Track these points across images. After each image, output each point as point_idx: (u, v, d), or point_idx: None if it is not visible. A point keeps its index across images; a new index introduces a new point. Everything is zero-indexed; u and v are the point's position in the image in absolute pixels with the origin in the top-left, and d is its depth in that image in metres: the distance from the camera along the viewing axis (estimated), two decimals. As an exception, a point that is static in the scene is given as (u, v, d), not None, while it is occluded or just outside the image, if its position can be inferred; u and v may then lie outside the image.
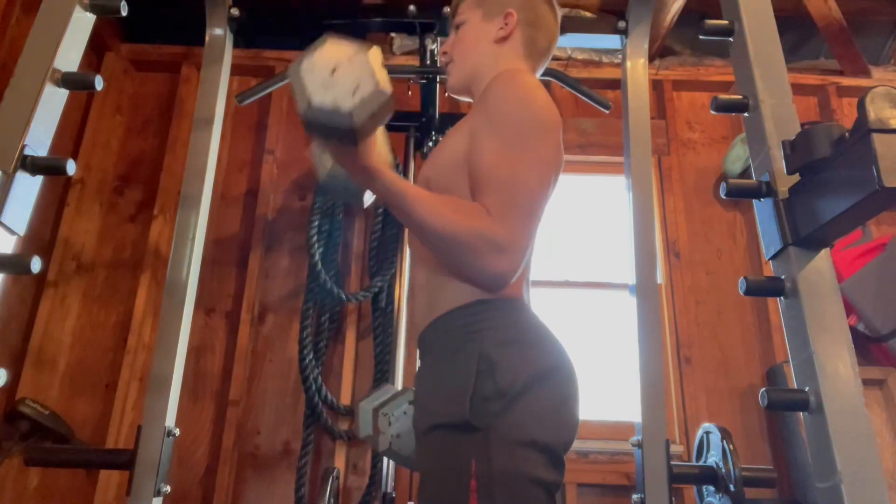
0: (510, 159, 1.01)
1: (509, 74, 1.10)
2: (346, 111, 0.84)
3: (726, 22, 1.10)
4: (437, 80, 2.12)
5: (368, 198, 1.11)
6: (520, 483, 0.90)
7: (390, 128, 2.27)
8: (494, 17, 1.25)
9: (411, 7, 1.99)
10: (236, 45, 1.83)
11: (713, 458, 1.55)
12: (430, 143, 2.23)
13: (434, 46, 2.13)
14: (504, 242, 0.96)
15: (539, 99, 1.08)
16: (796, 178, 0.88)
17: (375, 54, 0.88)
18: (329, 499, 1.76)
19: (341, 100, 0.84)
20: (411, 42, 2.71)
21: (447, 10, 1.90)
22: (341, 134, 0.86)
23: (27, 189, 0.92)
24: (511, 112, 1.05)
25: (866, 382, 2.17)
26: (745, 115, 1.02)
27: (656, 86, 2.76)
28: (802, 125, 0.93)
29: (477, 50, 1.24)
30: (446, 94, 1.35)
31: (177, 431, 1.46)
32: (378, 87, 0.85)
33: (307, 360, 2.18)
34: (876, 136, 0.71)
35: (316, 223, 2.29)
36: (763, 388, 0.84)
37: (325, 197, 2.30)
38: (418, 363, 1.17)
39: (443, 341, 1.03)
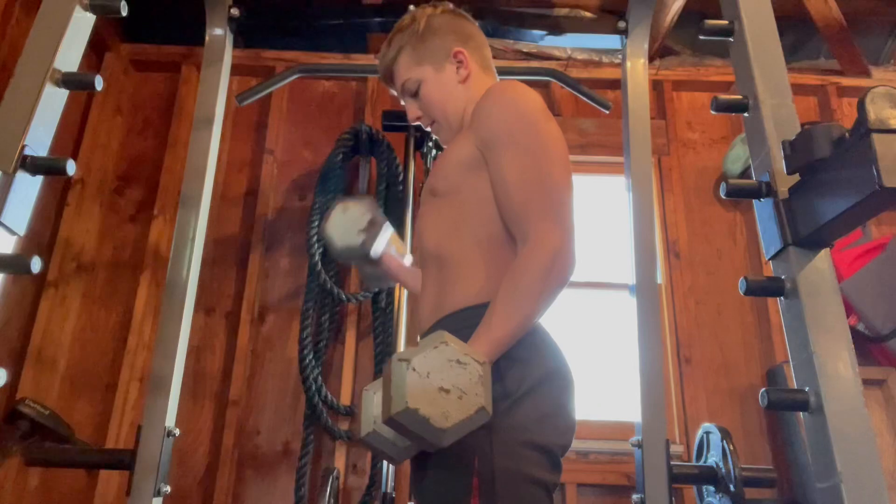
0: (532, 169, 1.05)
1: (500, 88, 1.14)
2: (440, 428, 0.84)
3: (726, 22, 1.10)
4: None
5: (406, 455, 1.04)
6: (521, 482, 0.92)
7: (390, 128, 2.29)
8: (444, 63, 1.27)
9: (411, 7, 1.99)
10: (236, 45, 1.83)
11: (713, 458, 1.55)
12: (430, 143, 2.23)
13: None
14: (561, 245, 0.99)
15: (534, 103, 1.11)
16: (796, 178, 0.88)
17: (486, 370, 0.87)
18: (329, 499, 1.76)
19: (440, 421, 0.83)
20: (411, 42, 2.71)
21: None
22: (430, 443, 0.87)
23: (27, 189, 0.92)
24: (515, 124, 1.08)
25: (866, 382, 2.17)
26: (745, 115, 1.02)
27: (656, 86, 2.76)
28: (802, 125, 0.93)
29: (452, 101, 1.26)
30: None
31: (177, 431, 1.46)
32: (483, 409, 0.85)
33: (307, 360, 2.18)
34: (876, 136, 0.71)
35: (316, 223, 2.29)
36: (763, 388, 0.84)
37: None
38: None
39: None
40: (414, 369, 0.84)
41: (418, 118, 1.30)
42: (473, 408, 0.84)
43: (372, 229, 1.34)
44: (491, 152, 1.09)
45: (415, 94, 1.28)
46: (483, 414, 0.85)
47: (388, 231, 1.39)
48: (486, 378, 0.86)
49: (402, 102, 1.33)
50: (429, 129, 1.31)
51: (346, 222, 1.35)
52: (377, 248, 1.36)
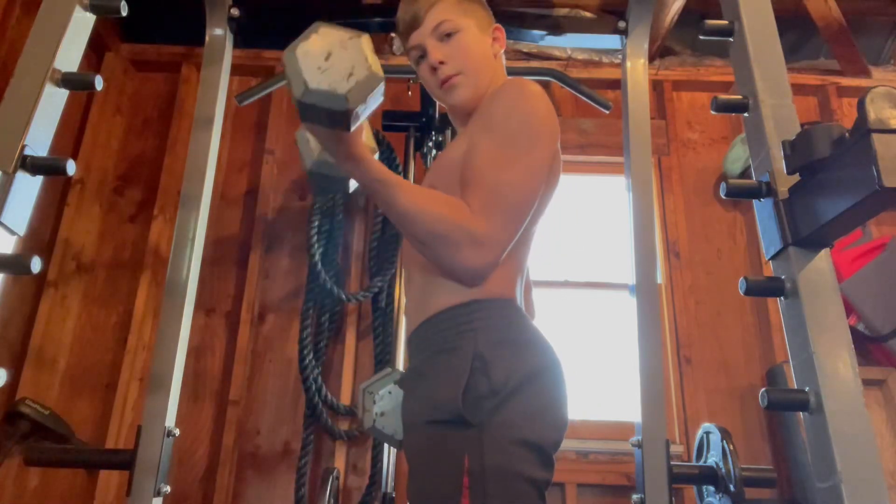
0: (501, 159, 1.02)
1: (517, 83, 1.10)
2: (342, 94, 0.86)
3: (726, 22, 1.10)
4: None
5: (353, 185, 1.09)
6: (512, 480, 0.91)
7: (390, 128, 2.29)
8: (486, 30, 1.21)
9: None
10: (236, 45, 1.83)
11: (713, 458, 1.55)
12: (430, 143, 2.23)
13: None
14: (482, 237, 0.97)
15: (541, 109, 1.08)
16: (796, 178, 0.88)
17: (367, 41, 0.91)
18: (329, 499, 1.76)
19: (337, 83, 0.86)
20: (411, 42, 2.71)
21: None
22: (335, 117, 0.89)
23: (27, 189, 0.92)
24: (511, 116, 1.06)
25: (866, 382, 2.17)
26: (745, 115, 1.02)
27: (656, 86, 2.76)
28: (802, 125, 0.93)
29: (487, 66, 1.19)
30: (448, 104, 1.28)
31: (177, 431, 1.46)
32: (371, 71, 0.88)
33: (307, 360, 2.18)
34: (876, 136, 0.71)
35: (316, 223, 2.29)
36: (763, 388, 0.84)
37: (318, 191, 2.13)
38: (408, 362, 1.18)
39: (437, 339, 1.04)
40: (298, 53, 0.88)
41: (442, 62, 1.15)
42: (364, 72, 0.87)
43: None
44: (476, 135, 1.06)
45: (444, 38, 1.16)
46: (377, 78, 0.88)
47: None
48: (367, 47, 0.90)
49: (422, 43, 1.17)
50: (444, 81, 1.16)
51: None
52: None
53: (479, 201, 0.99)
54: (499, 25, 1.24)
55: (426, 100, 2.20)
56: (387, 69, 1.01)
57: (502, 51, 1.25)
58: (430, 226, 0.98)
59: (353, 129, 0.92)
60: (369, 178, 0.99)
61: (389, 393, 1.15)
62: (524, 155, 1.03)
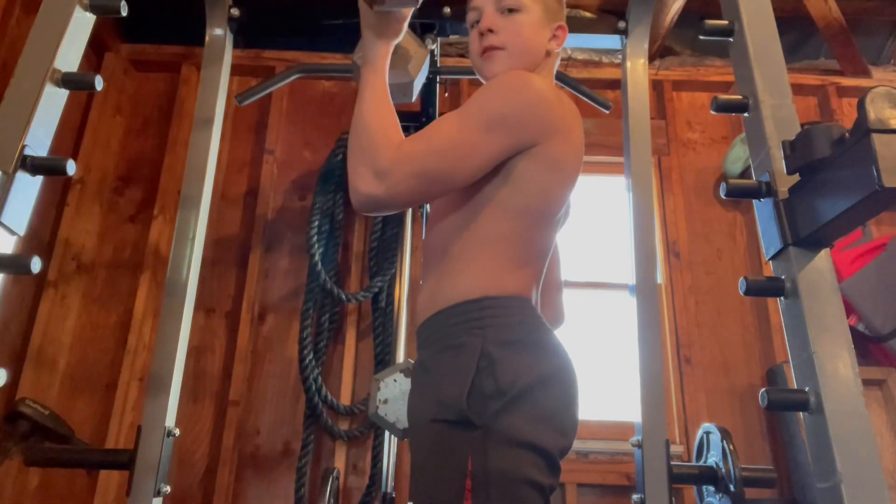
0: (452, 127, 1.02)
1: (520, 73, 1.07)
2: None
3: (726, 22, 1.10)
4: (437, 80, 2.12)
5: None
6: (516, 484, 0.90)
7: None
8: (549, 24, 1.18)
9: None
10: (236, 45, 1.83)
11: (713, 458, 1.55)
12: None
13: (434, 46, 2.12)
14: (383, 171, 0.98)
15: (524, 100, 1.04)
16: (796, 178, 0.88)
17: None
18: (329, 499, 1.76)
19: None
20: (411, 42, 2.70)
21: (447, 10, 1.90)
22: None
23: (27, 189, 0.92)
24: (489, 97, 1.04)
25: (866, 382, 2.17)
26: (745, 115, 1.02)
27: (656, 86, 2.77)
28: (802, 125, 0.93)
29: (533, 55, 1.16)
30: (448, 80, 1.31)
31: (177, 431, 1.46)
32: None
33: (307, 360, 2.18)
34: (876, 137, 0.71)
35: (316, 223, 2.29)
36: (763, 388, 0.84)
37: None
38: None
39: (444, 334, 1.02)
40: None
41: (491, 30, 1.13)
42: None
43: None
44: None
45: (505, 12, 1.15)
46: None
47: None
48: None
49: (482, 7, 1.16)
50: (483, 51, 1.15)
51: None
52: None
53: (407, 145, 1.00)
54: (564, 25, 1.21)
55: (426, 100, 2.20)
56: None
57: (557, 51, 1.21)
58: (361, 133, 1.01)
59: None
60: (368, 67, 1.07)
61: (395, 381, 1.16)
62: (473, 133, 1.01)
